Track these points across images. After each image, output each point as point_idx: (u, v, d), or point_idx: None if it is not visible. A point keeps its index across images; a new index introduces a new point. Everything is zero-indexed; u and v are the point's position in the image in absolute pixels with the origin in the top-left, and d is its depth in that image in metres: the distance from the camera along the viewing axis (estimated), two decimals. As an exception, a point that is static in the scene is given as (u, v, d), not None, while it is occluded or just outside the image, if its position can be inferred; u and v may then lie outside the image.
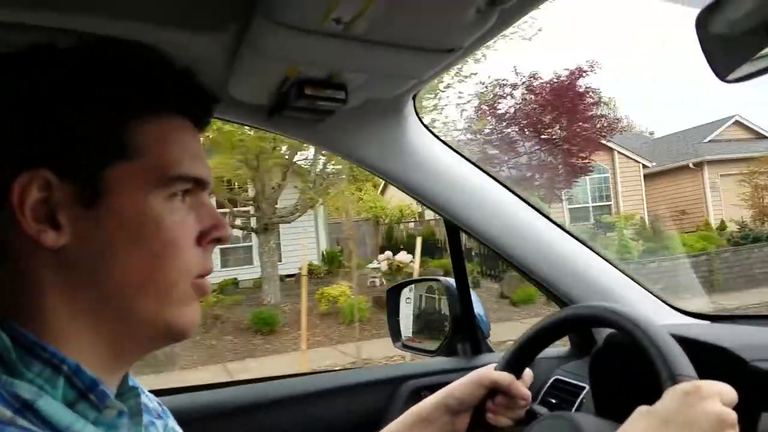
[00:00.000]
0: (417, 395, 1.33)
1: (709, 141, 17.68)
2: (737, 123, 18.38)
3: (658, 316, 1.26)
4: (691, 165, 16.77)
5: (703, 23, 0.56)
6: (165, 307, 0.59)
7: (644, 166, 17.05)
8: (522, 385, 0.98)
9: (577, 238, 1.35)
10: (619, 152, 16.57)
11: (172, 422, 0.77)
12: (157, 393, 0.79)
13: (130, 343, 0.60)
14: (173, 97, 0.61)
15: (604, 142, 14.81)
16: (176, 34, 0.83)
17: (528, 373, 1.01)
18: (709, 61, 0.57)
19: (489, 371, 0.99)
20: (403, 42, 0.78)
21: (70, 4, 0.76)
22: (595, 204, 16.62)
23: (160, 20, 0.80)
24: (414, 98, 1.15)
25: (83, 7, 0.76)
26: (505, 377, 0.97)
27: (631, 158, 16.90)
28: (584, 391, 1.17)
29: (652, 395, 0.70)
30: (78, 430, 0.53)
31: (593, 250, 1.34)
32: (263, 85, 0.94)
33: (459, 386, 0.99)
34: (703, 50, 0.56)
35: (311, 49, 0.80)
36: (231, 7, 0.80)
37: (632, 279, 1.32)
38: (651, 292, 1.32)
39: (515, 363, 0.99)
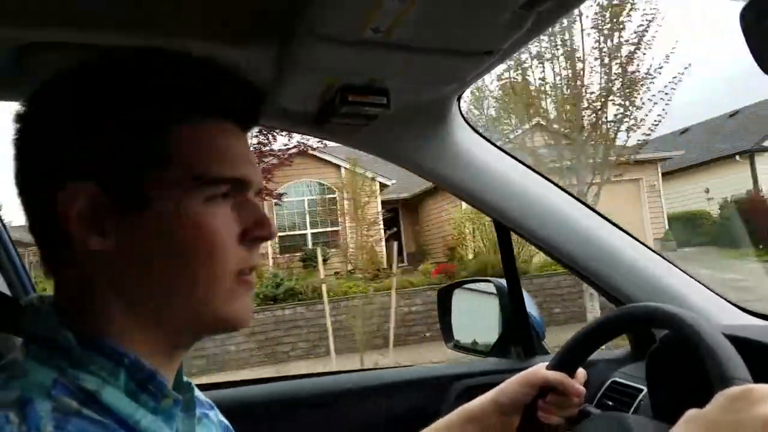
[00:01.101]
0: (468, 395, 1.32)
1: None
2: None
3: (721, 316, 1.21)
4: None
5: (748, 15, 0.54)
6: (212, 302, 0.61)
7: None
8: (575, 382, 0.97)
9: (633, 237, 1.31)
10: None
11: (220, 415, 0.80)
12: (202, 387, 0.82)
13: (181, 335, 0.63)
14: (210, 101, 0.62)
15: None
16: (224, 49, 0.86)
17: (581, 372, 0.99)
18: (754, 55, 0.55)
19: (540, 370, 0.98)
20: (441, 46, 0.79)
21: (118, 23, 0.80)
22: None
23: (208, 36, 0.83)
24: (459, 99, 1.15)
25: (130, 26, 0.80)
26: (557, 375, 0.96)
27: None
28: (641, 394, 1.14)
29: (708, 399, 0.68)
30: (139, 419, 0.57)
31: (651, 249, 1.31)
32: (309, 94, 0.97)
33: (509, 385, 0.99)
34: (747, 44, 0.55)
35: (352, 59, 0.81)
36: (275, 22, 0.83)
37: (693, 278, 1.27)
38: (713, 291, 1.27)
39: (567, 362, 0.98)
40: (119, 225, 0.58)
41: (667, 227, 16.49)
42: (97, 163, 0.58)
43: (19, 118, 0.62)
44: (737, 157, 17.95)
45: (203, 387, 0.85)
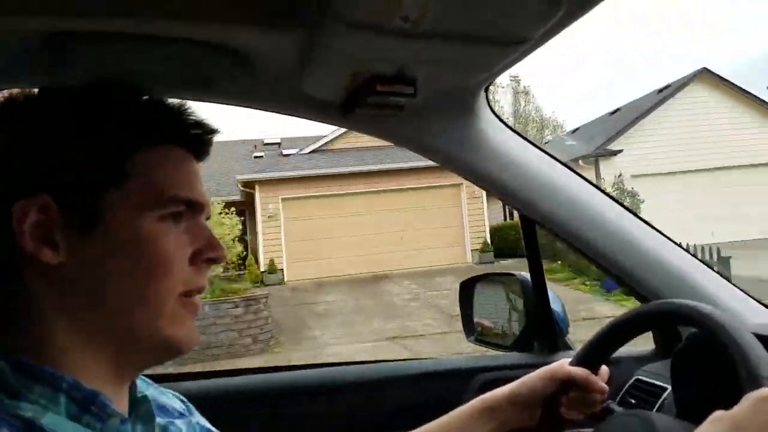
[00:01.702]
0: (489, 388, 1.32)
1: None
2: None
3: (750, 316, 1.18)
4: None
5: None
6: (159, 324, 0.61)
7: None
8: (599, 379, 0.96)
9: (662, 234, 1.29)
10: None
11: (198, 418, 0.79)
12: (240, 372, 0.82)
13: (129, 357, 0.63)
14: (166, 132, 0.66)
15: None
16: (251, 35, 0.86)
17: (604, 369, 0.98)
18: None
19: (563, 365, 0.98)
20: (471, 35, 0.78)
21: (147, 11, 0.80)
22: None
23: (235, 21, 0.83)
24: (486, 90, 1.14)
25: (158, 13, 0.81)
26: (580, 371, 0.95)
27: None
28: (666, 393, 1.13)
29: (736, 398, 0.66)
30: None
31: (680, 246, 1.28)
32: (335, 83, 0.96)
33: (530, 379, 0.98)
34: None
35: (380, 47, 0.81)
36: (302, 8, 0.82)
37: (721, 275, 1.25)
38: (743, 291, 1.25)
39: (590, 358, 0.97)
40: (71, 240, 0.59)
41: (488, 237, 16.30)
42: (54, 178, 0.59)
43: None
44: (581, 162, 17.43)
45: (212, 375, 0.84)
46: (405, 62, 0.87)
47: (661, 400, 1.13)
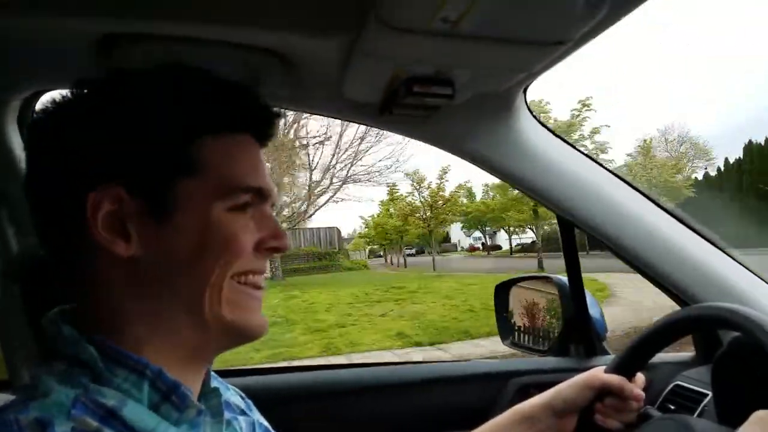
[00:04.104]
0: (525, 392, 1.32)
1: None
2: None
3: None
4: None
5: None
6: (228, 310, 0.62)
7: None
8: (635, 387, 0.95)
9: (702, 235, 1.26)
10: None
11: (257, 416, 0.80)
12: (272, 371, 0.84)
13: (200, 345, 0.63)
14: (234, 117, 0.65)
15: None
16: (293, 39, 0.88)
17: (640, 376, 0.97)
18: None
19: (599, 373, 0.97)
20: (511, 36, 0.78)
21: (192, 15, 0.83)
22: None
23: (277, 26, 0.86)
24: (525, 91, 1.14)
25: (203, 18, 0.83)
26: (616, 379, 0.94)
27: None
28: (707, 399, 1.10)
29: None
30: None
31: (720, 248, 1.25)
32: (374, 85, 0.98)
33: (567, 387, 0.98)
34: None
35: (420, 49, 0.82)
36: (344, 11, 0.84)
37: (762, 279, 1.22)
38: None
39: (627, 365, 0.96)
40: (144, 231, 0.59)
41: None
42: (126, 168, 0.59)
43: (42, 122, 0.63)
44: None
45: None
46: (443, 63, 0.87)
47: (701, 406, 1.10)
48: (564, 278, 1.48)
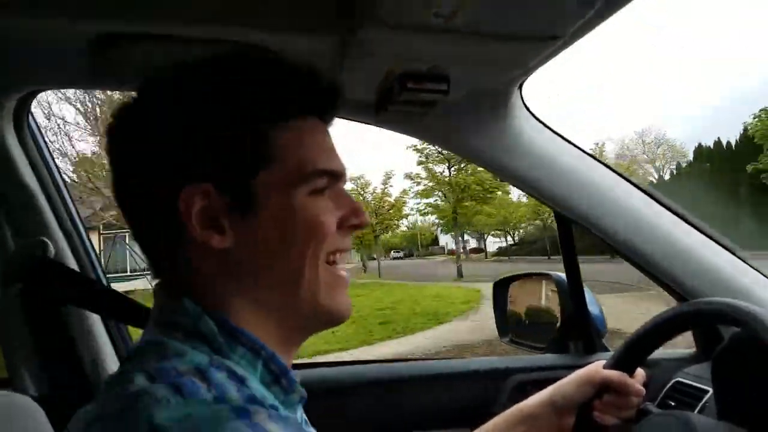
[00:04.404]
0: (523, 389, 1.31)
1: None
2: None
3: None
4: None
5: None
6: (319, 294, 0.63)
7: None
8: (635, 382, 0.94)
9: (703, 231, 1.26)
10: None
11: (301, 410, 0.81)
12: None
13: (296, 331, 0.65)
14: (304, 100, 0.64)
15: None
16: (287, 37, 0.88)
17: (640, 372, 0.97)
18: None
19: (598, 369, 0.96)
20: (505, 31, 0.78)
21: (184, 15, 0.83)
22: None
23: (272, 24, 0.86)
24: (521, 87, 1.14)
25: (195, 17, 0.83)
26: (616, 374, 0.94)
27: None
28: (707, 395, 1.10)
29: None
30: (277, 407, 0.57)
31: (721, 244, 1.25)
32: (369, 82, 0.98)
33: (567, 384, 0.97)
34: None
35: (414, 45, 0.82)
36: (337, 9, 0.84)
37: (764, 275, 1.21)
38: None
39: (626, 361, 0.95)
40: (235, 223, 0.60)
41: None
42: (212, 164, 0.60)
43: (122, 120, 0.63)
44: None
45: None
46: (438, 59, 0.87)
47: (702, 402, 1.10)
48: (563, 275, 1.47)
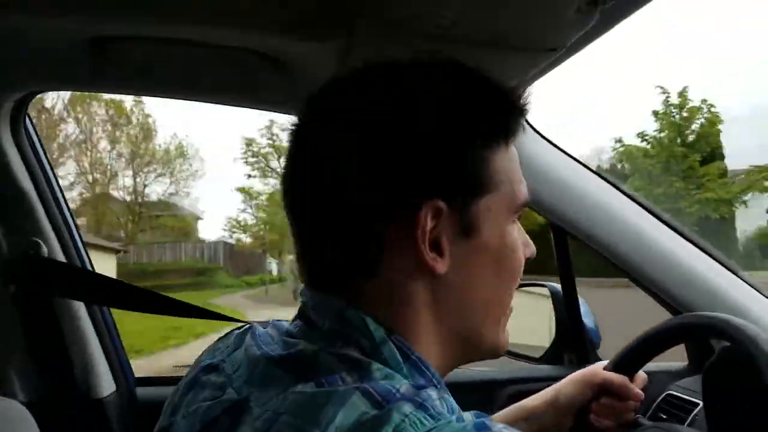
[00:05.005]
0: (517, 401, 1.31)
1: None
2: None
3: None
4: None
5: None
6: (499, 328, 0.61)
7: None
8: (635, 386, 0.94)
9: (698, 245, 1.27)
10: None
11: None
12: None
13: (461, 360, 0.62)
14: (517, 122, 0.60)
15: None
16: (287, 43, 0.89)
17: (642, 375, 0.96)
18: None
19: (598, 370, 0.96)
20: (503, 42, 0.79)
21: (184, 17, 0.83)
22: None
23: (271, 30, 0.86)
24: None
25: (202, 20, 0.83)
26: (617, 377, 0.93)
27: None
28: (697, 408, 1.10)
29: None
30: None
31: (716, 259, 1.26)
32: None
33: (568, 384, 0.97)
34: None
35: (412, 54, 0.82)
36: (337, 16, 0.84)
37: (759, 291, 1.22)
38: None
39: (624, 365, 0.95)
40: (454, 248, 0.55)
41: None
42: (446, 182, 0.55)
43: (329, 131, 0.58)
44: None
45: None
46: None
47: (692, 415, 1.10)
48: (558, 286, 1.47)
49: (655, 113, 18.18)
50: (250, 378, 0.55)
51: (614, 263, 1.28)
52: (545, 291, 1.54)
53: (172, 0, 0.81)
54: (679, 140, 17.82)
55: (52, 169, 1.34)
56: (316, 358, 0.52)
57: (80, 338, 1.34)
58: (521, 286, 1.67)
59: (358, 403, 0.45)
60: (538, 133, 1.23)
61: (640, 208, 1.28)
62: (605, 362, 0.98)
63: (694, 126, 18.03)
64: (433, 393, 0.48)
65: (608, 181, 1.29)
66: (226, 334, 0.68)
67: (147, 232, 24.64)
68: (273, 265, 22.31)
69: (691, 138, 17.88)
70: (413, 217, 0.53)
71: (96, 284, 1.21)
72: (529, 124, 1.21)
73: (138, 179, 24.44)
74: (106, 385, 1.38)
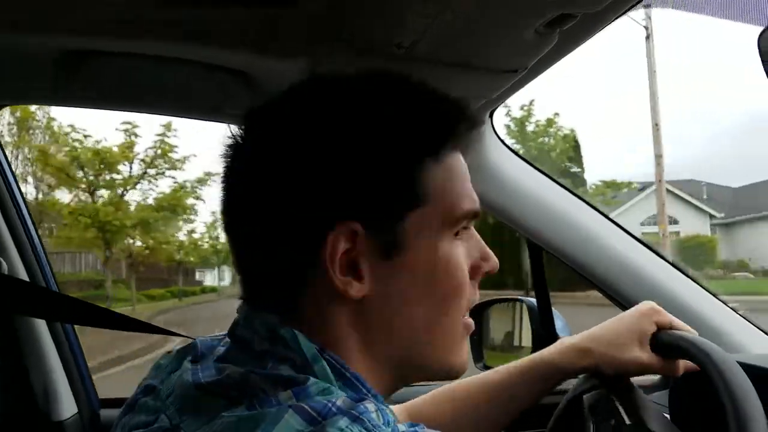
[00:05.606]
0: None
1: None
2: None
3: (749, 344, 1.17)
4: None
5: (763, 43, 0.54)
6: (447, 349, 0.58)
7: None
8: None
9: (670, 263, 1.28)
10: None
11: None
12: None
13: (404, 380, 0.60)
14: (455, 131, 0.57)
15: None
16: (259, 59, 0.90)
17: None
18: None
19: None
20: (465, 63, 0.80)
21: (158, 32, 0.84)
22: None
23: (244, 46, 0.87)
24: (492, 115, 1.16)
25: (171, 35, 0.84)
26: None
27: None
28: (665, 422, 1.11)
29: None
30: None
31: (681, 271, 1.27)
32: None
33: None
34: (764, 68, 0.54)
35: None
36: (309, 34, 0.86)
37: (725, 304, 1.23)
38: (744, 318, 1.23)
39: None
40: (373, 270, 0.53)
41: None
42: (362, 202, 0.53)
43: (257, 148, 0.56)
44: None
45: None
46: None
47: (661, 430, 1.11)
48: (534, 300, 1.48)
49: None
50: (183, 404, 0.53)
51: (589, 280, 1.29)
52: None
53: (141, 16, 0.82)
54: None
55: (16, 182, 1.32)
56: (247, 381, 0.49)
57: (41, 358, 1.32)
58: (496, 301, 1.70)
59: (291, 421, 0.44)
60: (509, 149, 1.25)
61: (614, 226, 1.30)
62: None
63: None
64: (370, 405, 0.47)
65: (581, 199, 1.30)
66: (174, 351, 0.66)
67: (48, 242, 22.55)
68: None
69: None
70: (324, 240, 0.51)
71: (58, 302, 1.19)
72: (501, 141, 1.22)
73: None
74: (68, 406, 1.35)
